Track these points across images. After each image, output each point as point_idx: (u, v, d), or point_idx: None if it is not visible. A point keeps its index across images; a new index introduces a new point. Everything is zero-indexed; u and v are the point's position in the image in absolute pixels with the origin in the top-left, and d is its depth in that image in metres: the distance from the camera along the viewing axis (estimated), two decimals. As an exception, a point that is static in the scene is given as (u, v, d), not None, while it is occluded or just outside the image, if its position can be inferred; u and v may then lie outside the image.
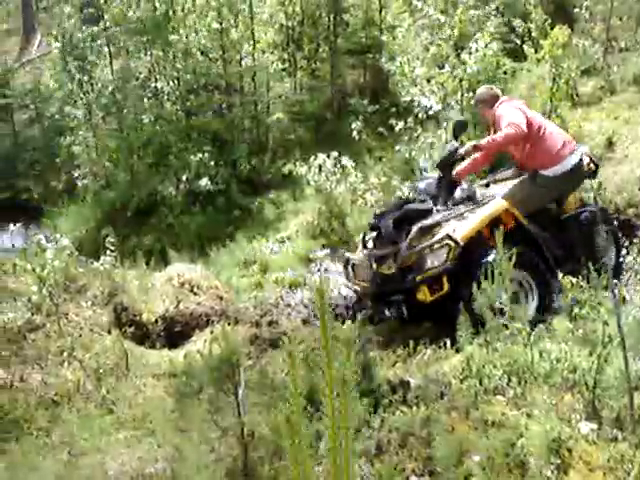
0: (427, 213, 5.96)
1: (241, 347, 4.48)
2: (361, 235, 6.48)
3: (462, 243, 5.47)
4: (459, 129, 6.56)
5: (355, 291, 6.57)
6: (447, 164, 6.28)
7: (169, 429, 4.09)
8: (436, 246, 5.51)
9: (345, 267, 6.50)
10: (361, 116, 10.60)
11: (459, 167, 6.36)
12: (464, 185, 6.28)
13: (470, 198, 6.08)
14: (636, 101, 9.92)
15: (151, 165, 10.96)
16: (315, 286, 5.80)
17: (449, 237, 5.49)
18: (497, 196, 6.03)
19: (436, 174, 6.44)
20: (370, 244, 6.15)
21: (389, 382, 4.19)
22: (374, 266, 6.00)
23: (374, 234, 6.13)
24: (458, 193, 6.19)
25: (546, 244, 5.97)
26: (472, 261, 5.41)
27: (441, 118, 9.85)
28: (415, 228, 5.77)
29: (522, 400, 3.98)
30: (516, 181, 6.26)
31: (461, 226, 5.64)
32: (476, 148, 6.08)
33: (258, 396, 4.25)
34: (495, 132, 6.18)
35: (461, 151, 6.13)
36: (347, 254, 6.59)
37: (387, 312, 5.97)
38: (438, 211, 5.99)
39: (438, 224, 5.77)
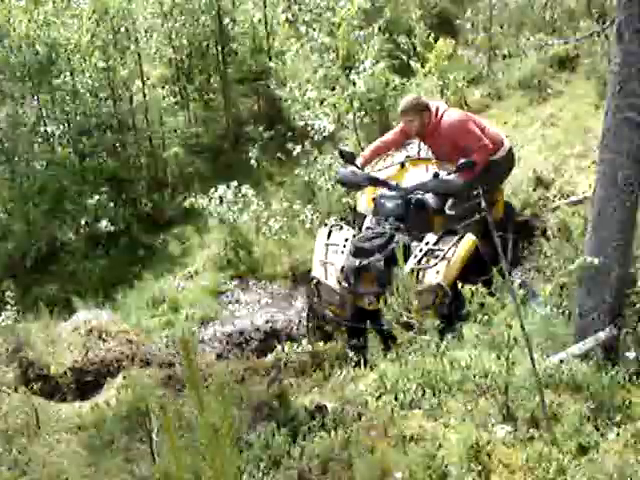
0: (406, 248, 6.04)
1: (154, 390, 4.38)
2: (325, 259, 6.34)
3: (450, 291, 5.62)
4: (350, 157, 6.81)
5: (323, 315, 6.41)
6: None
7: (85, 485, 3.94)
8: (424, 292, 5.68)
9: (308, 284, 6.52)
10: (258, 144, 10.57)
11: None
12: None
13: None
14: (523, 105, 10.32)
15: (47, 212, 10.60)
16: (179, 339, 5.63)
17: (440, 286, 5.69)
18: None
19: (399, 193, 6.53)
20: (350, 277, 6.06)
21: (306, 409, 4.16)
22: (351, 298, 6.09)
23: (353, 263, 6.06)
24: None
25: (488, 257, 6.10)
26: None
27: (337, 138, 9.97)
28: (404, 271, 5.72)
29: (438, 411, 4.02)
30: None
31: (446, 271, 5.78)
32: (465, 182, 6.27)
33: (176, 439, 4.14)
34: (440, 138, 6.64)
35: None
36: (313, 273, 6.41)
37: (360, 342, 5.86)
38: (412, 241, 6.15)
39: (421, 267, 5.88)
